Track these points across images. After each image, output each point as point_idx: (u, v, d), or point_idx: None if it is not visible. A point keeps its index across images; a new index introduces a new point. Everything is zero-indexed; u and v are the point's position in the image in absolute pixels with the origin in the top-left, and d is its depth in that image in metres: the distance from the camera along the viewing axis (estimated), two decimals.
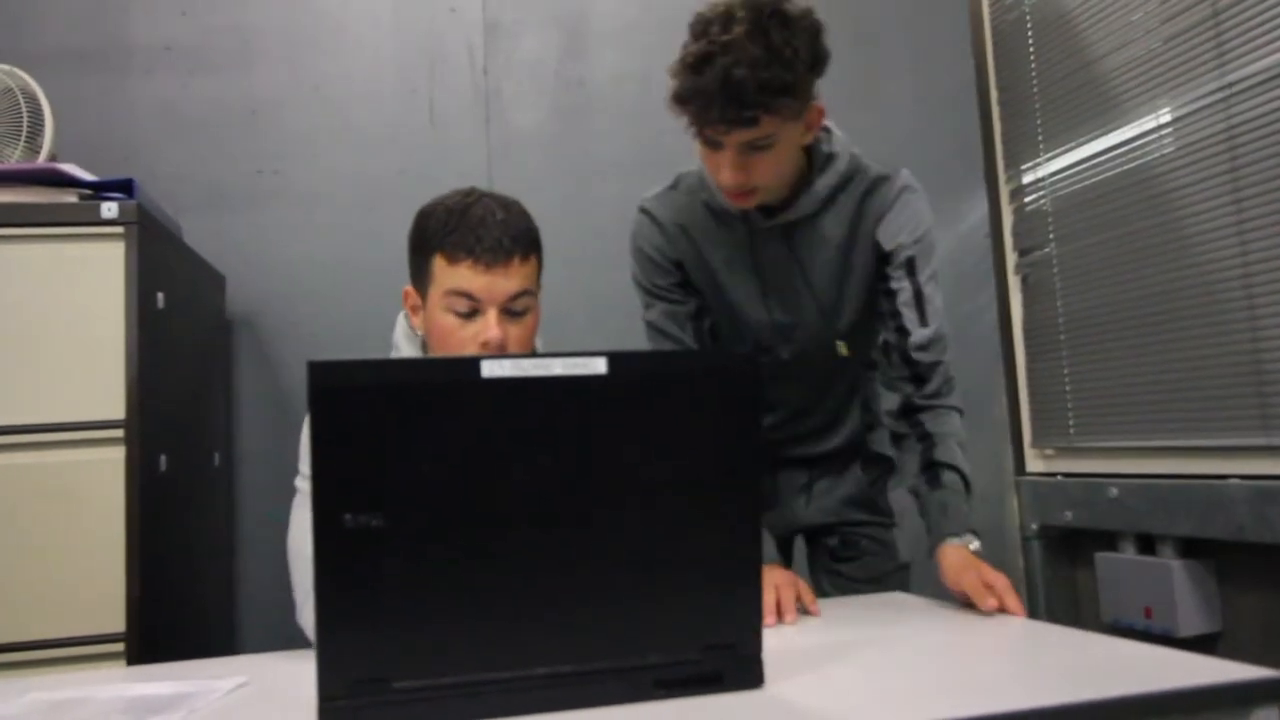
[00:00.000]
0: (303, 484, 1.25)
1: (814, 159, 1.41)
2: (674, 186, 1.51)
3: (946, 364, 1.45)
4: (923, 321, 1.42)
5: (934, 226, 1.45)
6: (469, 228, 1.20)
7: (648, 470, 0.83)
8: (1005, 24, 2.72)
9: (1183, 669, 0.91)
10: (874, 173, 1.45)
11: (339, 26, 2.49)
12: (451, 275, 1.20)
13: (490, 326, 1.19)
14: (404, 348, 1.33)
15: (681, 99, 1.25)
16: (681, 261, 1.49)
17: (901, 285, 1.43)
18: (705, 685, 0.85)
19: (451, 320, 1.21)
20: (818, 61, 1.27)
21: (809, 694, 0.86)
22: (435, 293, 1.22)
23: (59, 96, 1.97)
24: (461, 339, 1.21)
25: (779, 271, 1.47)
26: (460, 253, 1.19)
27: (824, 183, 1.41)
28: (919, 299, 1.42)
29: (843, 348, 1.52)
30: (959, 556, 1.30)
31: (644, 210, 1.51)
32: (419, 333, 1.30)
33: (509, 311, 1.22)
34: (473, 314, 1.21)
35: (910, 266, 1.42)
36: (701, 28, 1.24)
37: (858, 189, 1.44)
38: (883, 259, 1.45)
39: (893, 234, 1.43)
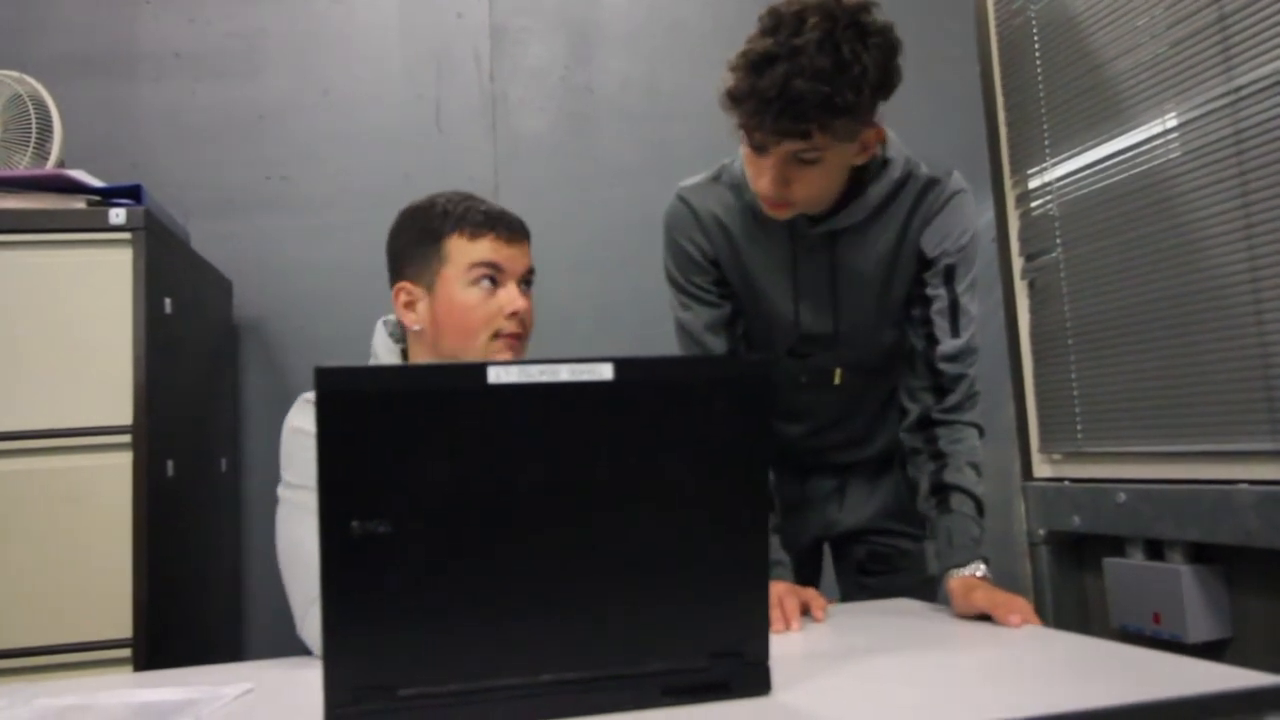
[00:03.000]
0: (286, 493, 1.22)
1: (868, 164, 1.33)
2: (716, 178, 1.42)
3: (971, 378, 1.40)
4: (954, 332, 1.38)
5: (979, 232, 1.40)
6: (481, 210, 1.28)
7: (654, 477, 0.83)
8: (1011, 28, 2.72)
9: (1192, 676, 0.91)
10: (924, 175, 1.37)
11: (346, 32, 2.50)
12: (474, 250, 1.27)
13: (517, 296, 1.28)
14: (382, 355, 1.34)
15: (736, 98, 1.18)
16: (718, 260, 1.42)
17: (938, 293, 1.38)
18: (712, 693, 0.85)
19: (475, 294, 1.27)
20: (887, 83, 1.19)
21: (817, 701, 0.86)
22: (452, 272, 1.27)
23: (67, 103, 1.98)
24: (488, 312, 1.27)
25: (816, 282, 1.41)
26: (483, 229, 1.28)
27: (877, 190, 1.34)
28: (954, 309, 1.38)
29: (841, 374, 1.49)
30: (966, 585, 1.28)
31: (682, 199, 1.43)
32: (416, 327, 1.31)
33: (525, 284, 1.31)
34: (495, 287, 1.28)
35: (949, 274, 1.37)
36: (772, 24, 1.16)
37: (909, 195, 1.37)
38: (923, 265, 1.39)
39: (937, 241, 1.37)
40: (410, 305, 1.30)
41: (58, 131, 1.90)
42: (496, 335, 1.27)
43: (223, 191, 2.38)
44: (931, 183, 1.37)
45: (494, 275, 1.27)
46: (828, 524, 1.62)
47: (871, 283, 1.40)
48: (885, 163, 1.34)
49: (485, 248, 1.27)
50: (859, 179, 1.33)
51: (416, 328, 1.30)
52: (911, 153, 1.38)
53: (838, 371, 1.48)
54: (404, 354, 1.34)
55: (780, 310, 1.43)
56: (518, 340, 1.29)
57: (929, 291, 1.38)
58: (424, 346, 1.31)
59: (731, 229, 1.41)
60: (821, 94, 1.12)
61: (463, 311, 1.26)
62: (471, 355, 1.27)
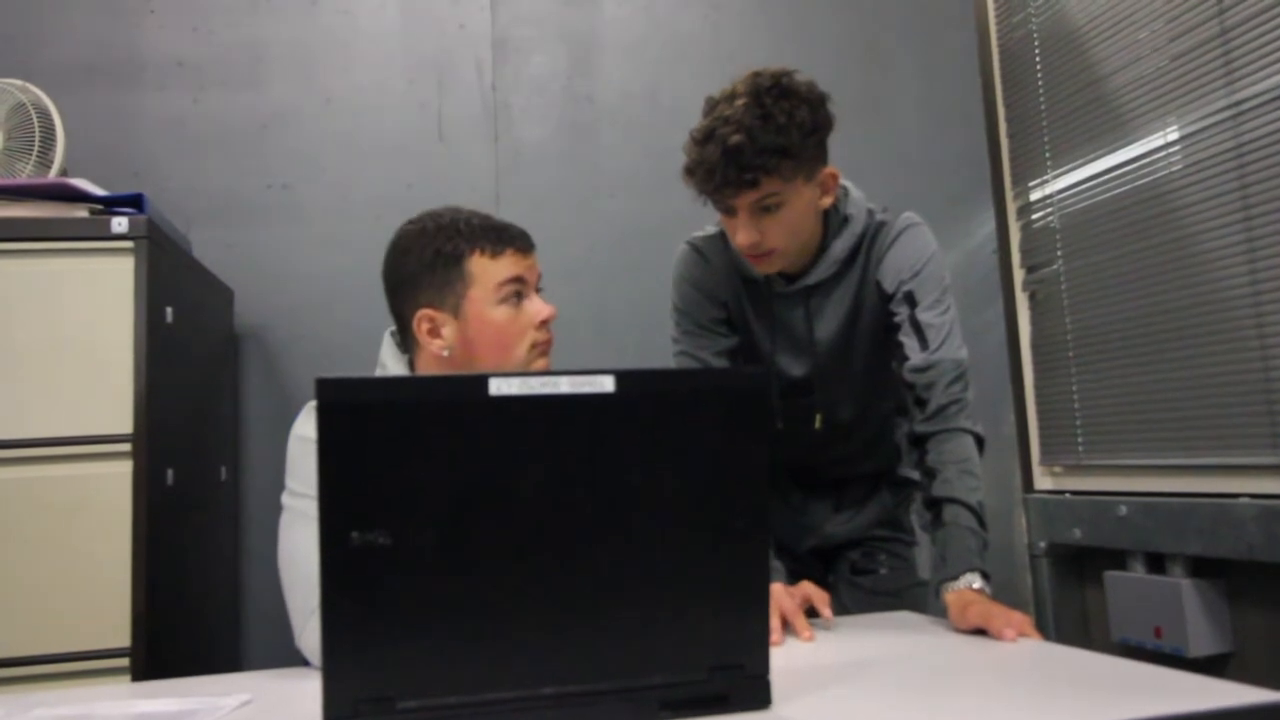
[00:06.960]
0: (290, 500, 1.22)
1: (829, 222, 1.45)
2: (722, 236, 1.53)
3: (946, 386, 1.41)
4: (922, 346, 1.43)
5: (938, 256, 1.46)
6: (493, 226, 1.30)
7: (655, 489, 0.83)
8: (1013, 41, 2.72)
9: (1194, 691, 0.90)
10: (878, 222, 1.48)
11: (348, 42, 2.50)
12: (498, 268, 1.28)
13: (544, 304, 1.31)
14: (391, 366, 1.33)
15: (690, 170, 1.35)
16: (727, 303, 1.53)
17: (902, 316, 1.45)
18: (712, 706, 0.84)
19: (506, 311, 1.28)
20: (819, 127, 1.34)
21: (817, 715, 0.86)
22: (479, 293, 1.27)
23: (70, 111, 1.98)
24: (520, 325, 1.29)
25: (793, 332, 1.51)
26: (502, 245, 1.29)
27: (840, 245, 1.46)
28: (916, 326, 1.43)
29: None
30: (962, 599, 1.27)
31: (695, 248, 1.55)
32: (444, 353, 1.28)
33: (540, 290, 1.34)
34: (521, 300, 1.30)
35: (910, 299, 1.44)
36: (709, 107, 1.35)
37: (868, 244, 1.48)
38: (886, 299, 1.47)
39: (894, 274, 1.45)
40: (434, 332, 1.28)
41: (60, 140, 1.91)
42: (533, 345, 1.30)
43: (224, 200, 2.38)
44: (882, 225, 1.48)
45: (520, 289, 1.29)
46: (823, 536, 1.69)
47: (843, 328, 1.50)
48: (846, 219, 1.46)
49: (509, 264, 1.28)
50: (823, 238, 1.46)
51: (445, 353, 1.27)
52: (875, 205, 1.49)
53: (817, 416, 1.56)
54: (410, 365, 1.33)
55: (762, 357, 1.54)
56: (549, 346, 1.33)
57: (895, 319, 1.46)
58: (440, 365, 1.29)
59: (734, 278, 1.53)
60: (759, 143, 1.28)
61: (497, 330, 1.27)
62: (512, 369, 1.27)
